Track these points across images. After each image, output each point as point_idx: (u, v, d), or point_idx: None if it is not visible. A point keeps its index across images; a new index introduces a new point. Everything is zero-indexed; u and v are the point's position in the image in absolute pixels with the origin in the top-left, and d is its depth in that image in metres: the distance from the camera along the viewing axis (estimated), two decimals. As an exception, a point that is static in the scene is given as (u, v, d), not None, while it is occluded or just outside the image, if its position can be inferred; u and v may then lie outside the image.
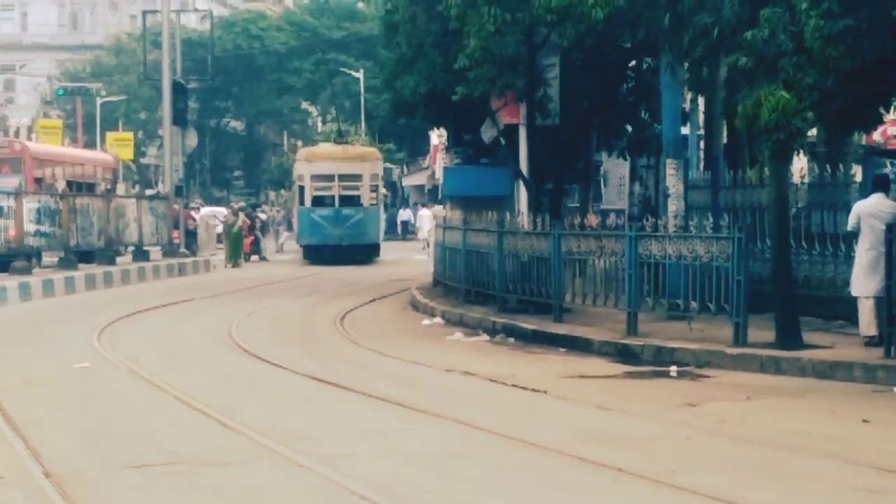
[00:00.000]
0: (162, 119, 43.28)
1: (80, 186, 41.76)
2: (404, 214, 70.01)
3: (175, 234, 42.39)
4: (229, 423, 11.73)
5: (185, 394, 13.55)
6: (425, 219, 53.41)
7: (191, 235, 44.07)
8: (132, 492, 9.08)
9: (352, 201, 44.07)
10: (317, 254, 43.67)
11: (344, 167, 44.26)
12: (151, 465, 9.86)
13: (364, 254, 44.18)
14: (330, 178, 43.99)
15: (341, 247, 43.31)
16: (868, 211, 15.84)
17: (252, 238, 45.43)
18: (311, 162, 44.70)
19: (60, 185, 39.59)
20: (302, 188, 44.59)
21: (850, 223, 16.14)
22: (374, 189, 45.50)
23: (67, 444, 10.94)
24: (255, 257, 45.62)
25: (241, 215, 43.98)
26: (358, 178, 44.41)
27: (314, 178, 44.08)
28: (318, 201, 44.07)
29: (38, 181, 39.18)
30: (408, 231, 66.22)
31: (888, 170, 22.09)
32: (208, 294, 28.53)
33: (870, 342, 15.75)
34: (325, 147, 47.90)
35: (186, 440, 11.02)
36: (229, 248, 41.68)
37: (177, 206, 42.46)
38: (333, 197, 43.98)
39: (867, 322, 15.83)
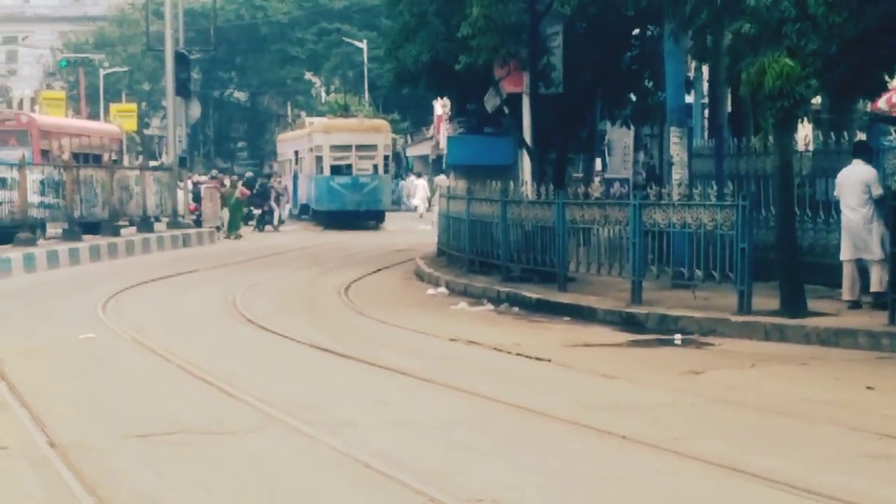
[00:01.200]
0: (165, 90, 43.19)
1: (86, 158, 41.84)
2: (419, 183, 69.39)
3: (192, 206, 42.58)
4: (234, 392, 11.75)
5: (189, 363, 13.57)
6: (419, 188, 56.25)
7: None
8: (137, 461, 9.10)
9: (368, 170, 47.19)
10: (333, 219, 46.47)
11: (360, 138, 47.51)
12: (156, 435, 9.88)
13: (376, 219, 47.23)
14: (348, 148, 47.27)
15: (358, 212, 46.56)
16: (841, 178, 16.42)
17: (261, 209, 46.08)
18: (329, 133, 47.77)
19: (67, 157, 39.61)
20: (320, 157, 47.56)
21: (836, 191, 16.57)
22: (386, 159, 48.99)
23: (72, 414, 10.96)
24: (269, 227, 46.07)
25: (239, 185, 44.02)
26: (373, 148, 47.63)
27: (333, 148, 47.32)
28: (336, 170, 47.13)
29: (45, 153, 39.25)
30: None
31: (893, 136, 22.07)
32: (212, 265, 28.54)
33: (851, 306, 16.16)
34: (342, 119, 50.52)
35: (191, 410, 11.03)
36: (228, 219, 41.60)
37: (204, 178, 42.66)
38: (351, 166, 47.13)
39: (845, 286, 16.34)
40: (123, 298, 21.04)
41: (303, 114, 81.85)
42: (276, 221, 47.03)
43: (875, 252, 16.09)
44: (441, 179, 48.65)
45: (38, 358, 14.40)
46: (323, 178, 47.13)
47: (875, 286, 16.14)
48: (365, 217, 46.50)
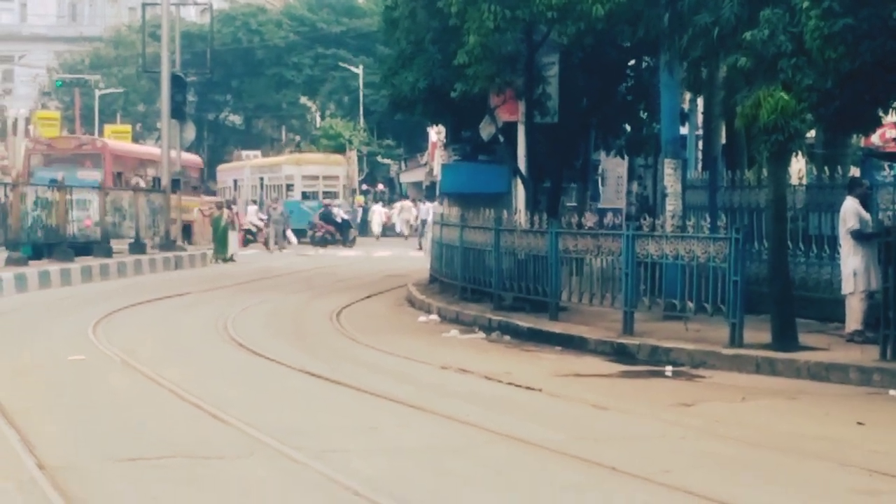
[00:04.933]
0: (160, 112, 43.42)
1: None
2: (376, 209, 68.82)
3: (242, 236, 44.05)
4: (224, 416, 11.72)
5: (179, 387, 13.53)
6: (377, 214, 62.55)
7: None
8: (126, 484, 9.07)
9: (331, 196, 56.59)
10: (302, 235, 54.09)
11: (327, 170, 59.05)
12: (145, 458, 9.84)
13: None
14: (315, 177, 58.26)
15: None
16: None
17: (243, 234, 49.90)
18: (301, 165, 58.79)
19: (144, 182, 42.84)
20: (291, 185, 58.26)
21: None
22: (344, 187, 60.38)
23: (62, 436, 10.92)
24: (274, 246, 48.74)
25: (225, 210, 43.99)
26: (336, 178, 59.13)
27: (304, 177, 58.07)
28: (305, 196, 57.46)
29: (119, 175, 41.27)
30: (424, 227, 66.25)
31: (887, 172, 22.12)
32: (204, 288, 28.50)
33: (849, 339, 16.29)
34: (311, 153, 63.41)
35: (180, 433, 10.99)
36: (216, 243, 41.24)
37: (228, 208, 44.79)
38: (317, 192, 57.41)
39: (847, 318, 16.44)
40: (114, 320, 20.99)
41: (297, 138, 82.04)
42: (271, 243, 49.29)
43: (845, 285, 16.20)
44: (406, 204, 62.02)
45: (28, 379, 14.35)
46: (294, 202, 56.44)
47: (848, 324, 16.21)
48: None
